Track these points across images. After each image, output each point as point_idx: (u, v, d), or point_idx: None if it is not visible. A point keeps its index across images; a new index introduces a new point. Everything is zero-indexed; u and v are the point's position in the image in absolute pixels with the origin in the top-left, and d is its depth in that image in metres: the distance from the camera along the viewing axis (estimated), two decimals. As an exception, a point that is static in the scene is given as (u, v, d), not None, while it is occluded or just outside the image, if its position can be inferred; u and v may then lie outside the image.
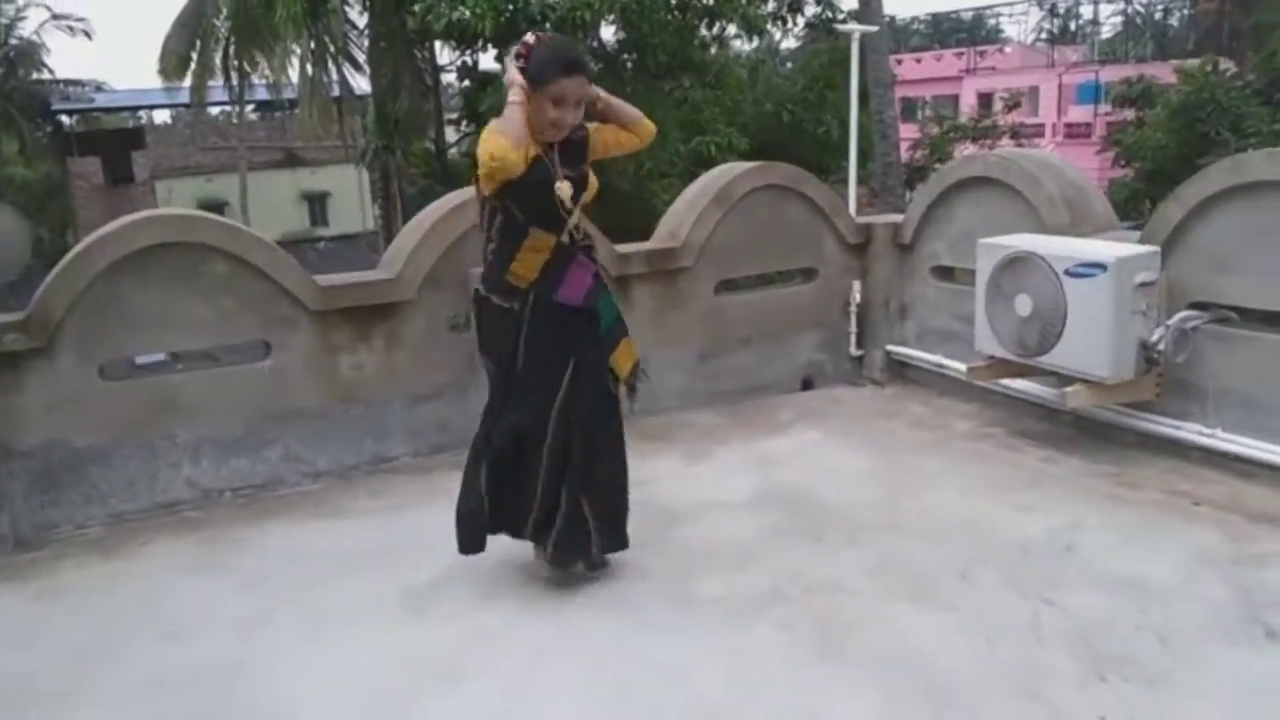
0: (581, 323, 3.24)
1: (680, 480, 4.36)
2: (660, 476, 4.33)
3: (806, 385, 5.78)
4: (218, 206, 34.86)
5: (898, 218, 5.85)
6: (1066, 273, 4.22)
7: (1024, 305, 4.41)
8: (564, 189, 3.15)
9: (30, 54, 34.49)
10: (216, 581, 3.66)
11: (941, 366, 5.42)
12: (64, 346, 4.10)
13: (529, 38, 3.18)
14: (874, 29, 12.07)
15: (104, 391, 4.21)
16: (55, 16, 33.93)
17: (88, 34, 35.71)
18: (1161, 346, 4.15)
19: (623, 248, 5.20)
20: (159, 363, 4.58)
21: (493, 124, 3.14)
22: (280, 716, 2.80)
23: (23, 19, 33.99)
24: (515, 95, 3.05)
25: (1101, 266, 4.10)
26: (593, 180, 3.30)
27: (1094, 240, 4.45)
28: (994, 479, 4.23)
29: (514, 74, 3.09)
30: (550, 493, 3.24)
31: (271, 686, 2.93)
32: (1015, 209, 4.94)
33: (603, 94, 3.31)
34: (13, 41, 33.67)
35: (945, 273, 5.52)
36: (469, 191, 4.76)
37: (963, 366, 5.12)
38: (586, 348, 3.25)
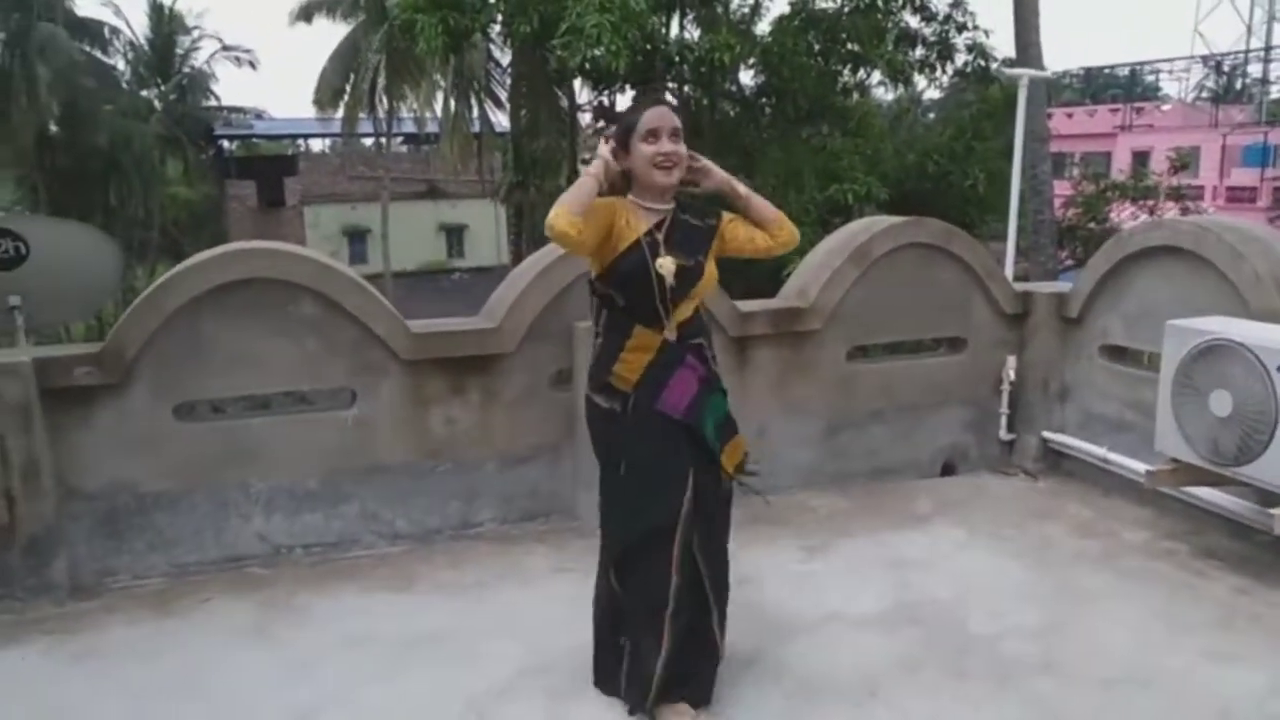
0: (685, 433, 2.79)
1: (794, 580, 3.77)
2: (770, 573, 3.77)
3: (947, 470, 5.11)
4: (361, 233, 36.15)
5: (1064, 287, 5.14)
6: (1281, 369, 3.49)
7: (1222, 403, 3.68)
8: (666, 265, 2.73)
9: (200, 82, 36.42)
10: (269, 657, 3.28)
11: (1108, 462, 4.68)
12: (138, 384, 3.84)
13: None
14: (1043, 73, 11.19)
15: (177, 434, 3.93)
16: (225, 47, 35.80)
17: (253, 64, 37.51)
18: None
19: (746, 305, 4.69)
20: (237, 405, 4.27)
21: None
22: None
23: (197, 49, 36.01)
24: (593, 167, 2.75)
25: (1330, 364, 3.37)
26: (710, 272, 2.87)
27: (1316, 330, 3.70)
28: (1177, 612, 3.50)
29: (601, 148, 2.81)
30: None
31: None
32: (1209, 286, 4.21)
33: (738, 184, 2.95)
34: (185, 70, 35.63)
35: (1118, 353, 4.79)
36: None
37: (1136, 464, 4.42)
38: (696, 460, 2.79)
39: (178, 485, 3.95)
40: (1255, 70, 45.57)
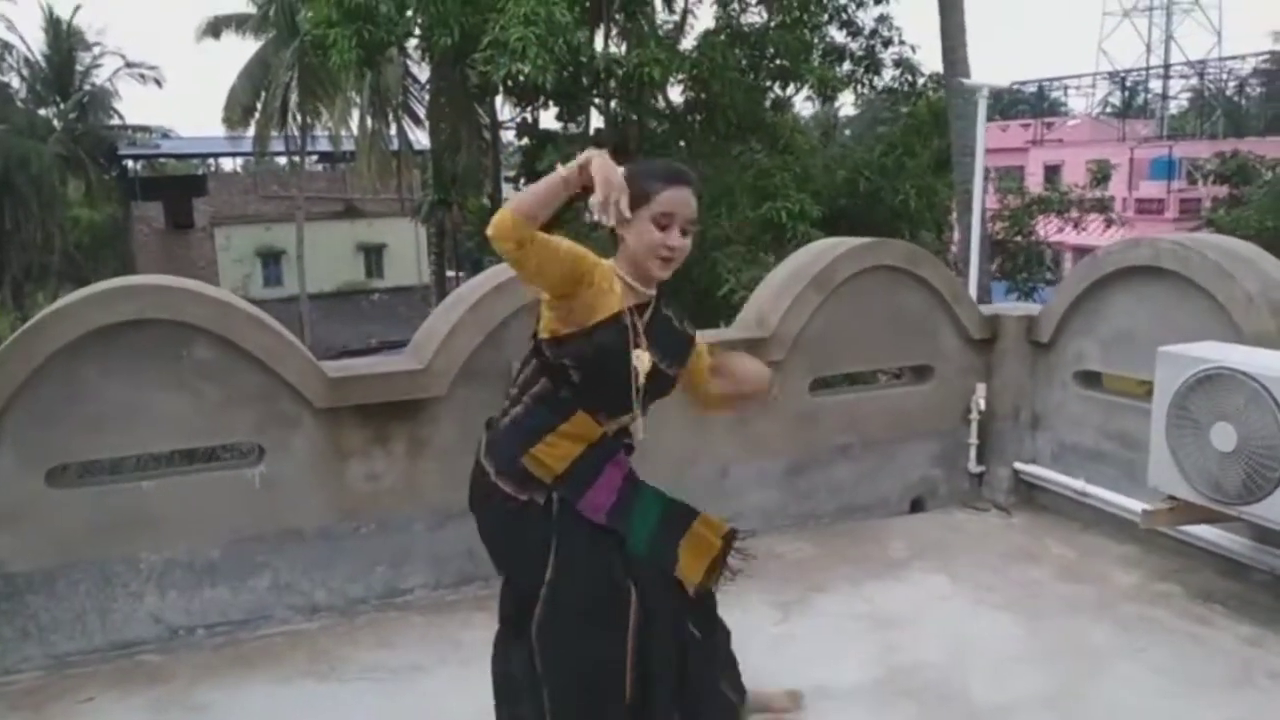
0: (615, 541, 2.33)
1: (772, 646, 3.36)
2: (745, 636, 3.31)
3: (915, 506, 4.77)
4: (276, 255, 34.99)
5: (1033, 308, 4.86)
6: (1291, 399, 3.20)
7: (1224, 438, 3.39)
8: (643, 359, 2.28)
9: (102, 100, 34.91)
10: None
11: (1086, 495, 4.39)
12: (3, 445, 3.26)
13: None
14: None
15: (52, 503, 3.35)
16: (128, 64, 34.38)
17: (158, 82, 36.10)
18: None
19: (700, 335, 4.28)
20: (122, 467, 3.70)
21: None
22: None
23: (98, 66, 34.50)
24: (565, 169, 2.16)
25: (1346, 395, 3.10)
26: (669, 391, 2.46)
27: (1321, 356, 3.44)
28: (1191, 671, 3.17)
29: (593, 152, 2.21)
30: None
31: None
32: (1195, 309, 3.94)
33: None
34: (86, 87, 34.11)
35: (1092, 379, 4.51)
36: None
37: (1120, 499, 4.18)
38: (642, 573, 2.33)
39: (54, 562, 3.37)
40: (1155, 86, 47.26)
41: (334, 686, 3.22)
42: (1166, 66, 48.36)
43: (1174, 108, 48.93)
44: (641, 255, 2.28)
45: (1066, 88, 47.30)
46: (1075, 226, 17.70)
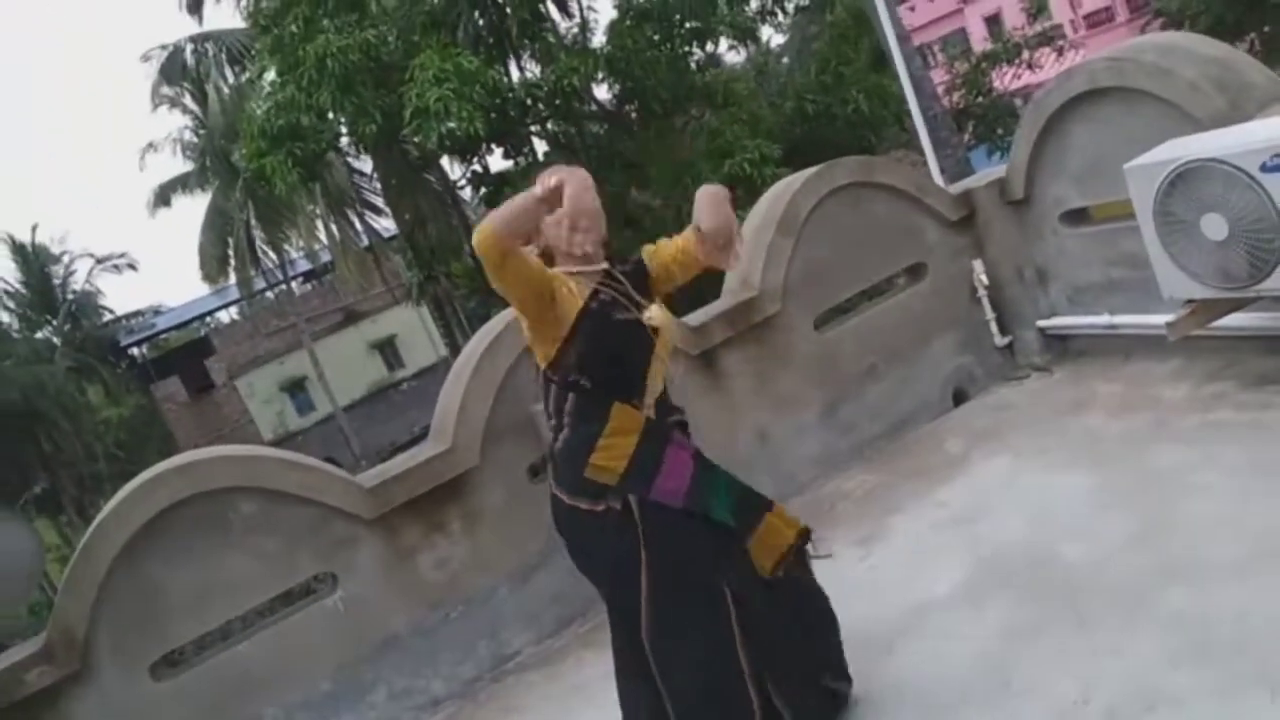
0: (700, 527, 2.38)
1: (862, 580, 3.41)
2: (834, 584, 3.36)
3: (959, 398, 4.79)
4: (299, 383, 35.43)
5: (998, 170, 4.86)
6: (1264, 168, 3.20)
7: (1215, 227, 3.39)
8: (657, 315, 2.38)
9: (88, 302, 35.64)
10: None
11: (1114, 327, 4.39)
12: (102, 661, 3.40)
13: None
14: None
15: (163, 695, 3.48)
16: (99, 261, 35.04)
17: (133, 266, 36.80)
18: None
19: (694, 316, 4.35)
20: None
21: None
22: None
23: (73, 272, 35.20)
24: (536, 188, 2.25)
25: (1311, 144, 3.09)
26: (666, 324, 2.47)
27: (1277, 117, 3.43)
28: (1259, 460, 3.17)
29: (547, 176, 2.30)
30: None
31: None
32: (1150, 114, 3.93)
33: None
34: (69, 297, 34.82)
35: (1079, 216, 4.51)
36: (504, 316, 4.00)
37: (1146, 319, 4.13)
38: (727, 559, 2.39)
39: (181, 748, 3.51)
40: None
41: (480, 765, 3.32)
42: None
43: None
44: (560, 237, 2.27)
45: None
46: (1030, 68, 17.48)
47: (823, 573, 3.32)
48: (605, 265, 2.49)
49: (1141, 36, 4.33)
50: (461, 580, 3.88)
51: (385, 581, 3.77)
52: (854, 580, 3.42)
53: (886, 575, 3.42)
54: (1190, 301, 3.65)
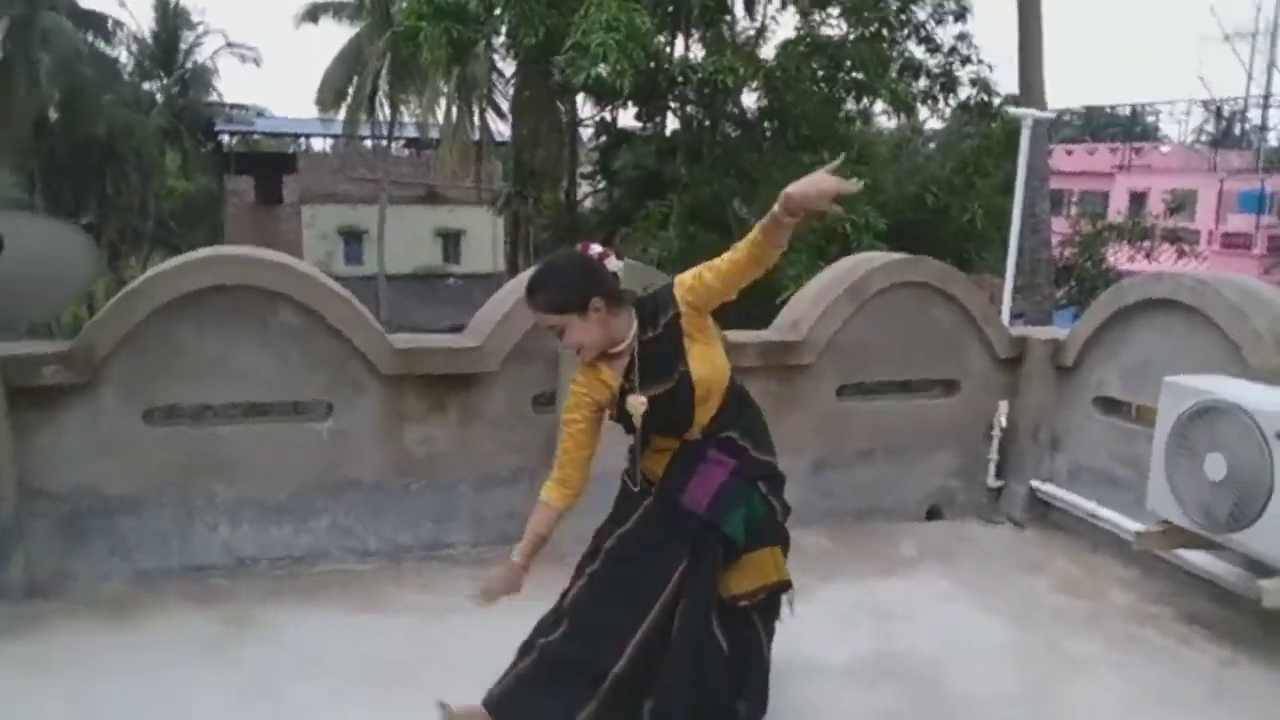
0: (700, 529, 2.64)
1: (783, 628, 3.65)
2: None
3: (933, 514, 5.02)
4: (358, 234, 35.97)
5: (1059, 333, 5.06)
6: (1279, 435, 3.40)
7: (1217, 467, 3.60)
8: (635, 404, 2.59)
9: (202, 77, 36.33)
10: (223, 679, 3.15)
11: (1096, 517, 4.59)
12: (108, 386, 3.73)
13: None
14: (1046, 114, 11.13)
15: (146, 438, 3.82)
16: (229, 44, 35.73)
17: (256, 62, 37.60)
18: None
19: (735, 335, 4.59)
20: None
21: None
22: None
23: (200, 44, 35.93)
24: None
25: (1330, 432, 3.29)
26: (703, 368, 2.60)
27: (1317, 395, 3.62)
28: (1164, 685, 3.39)
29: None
30: None
31: None
32: (1210, 343, 4.14)
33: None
34: (188, 65, 35.52)
35: (1112, 405, 4.71)
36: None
37: (1125, 522, 4.33)
38: (701, 555, 2.65)
39: (143, 490, 3.84)
40: (1255, 116, 45.76)
41: (378, 618, 3.62)
42: (1267, 96, 46.86)
43: (1275, 139, 47.36)
44: None
45: (1159, 113, 46.11)
46: (1148, 256, 17.51)
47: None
48: (633, 337, 2.61)
49: (1238, 275, 4.51)
50: (436, 462, 4.17)
51: (372, 433, 4.07)
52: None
53: (796, 628, 3.63)
54: (1166, 523, 3.85)
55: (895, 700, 3.18)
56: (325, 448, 4.02)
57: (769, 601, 2.81)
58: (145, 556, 3.87)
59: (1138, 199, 34.48)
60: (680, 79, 13.11)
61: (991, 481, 5.05)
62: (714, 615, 2.68)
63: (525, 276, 4.42)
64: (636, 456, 2.75)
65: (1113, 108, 46.18)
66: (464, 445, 4.21)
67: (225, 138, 38.75)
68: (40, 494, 3.71)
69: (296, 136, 41.50)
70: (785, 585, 2.81)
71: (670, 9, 13.34)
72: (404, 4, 15.54)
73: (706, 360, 2.62)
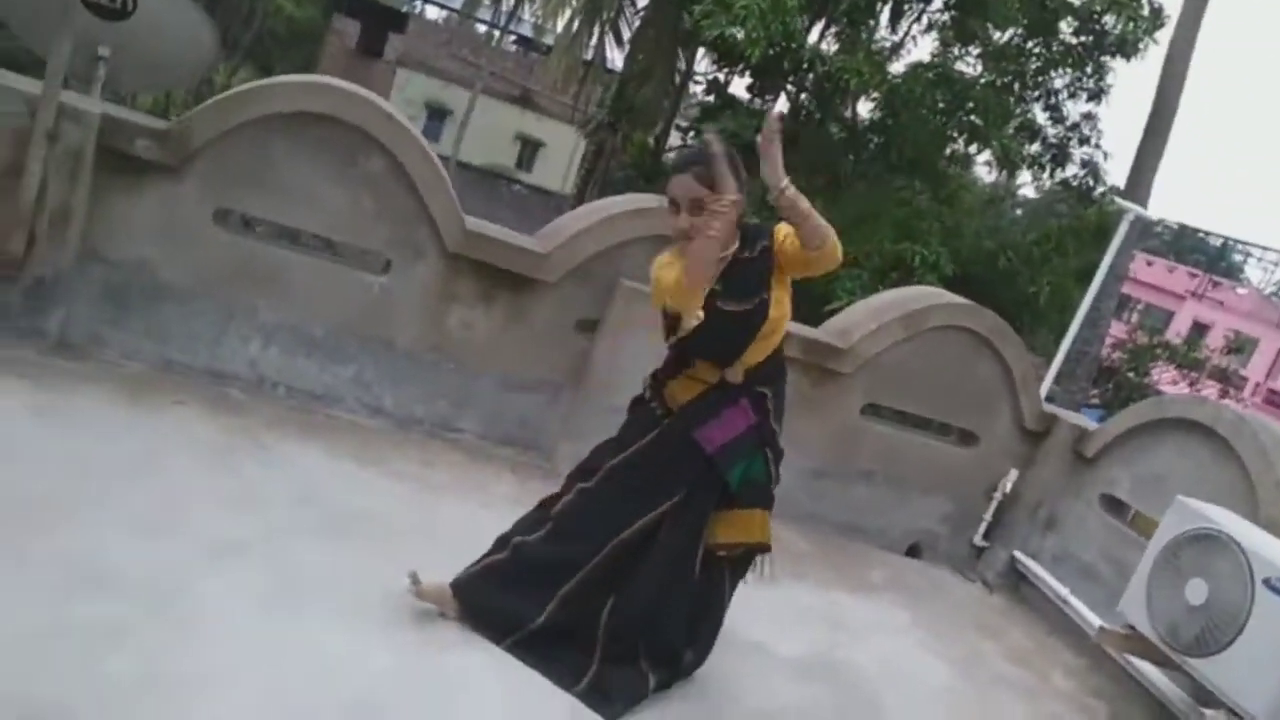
0: (703, 468, 2.75)
1: (739, 604, 3.76)
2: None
3: (912, 551, 5.11)
4: (442, 113, 35.96)
5: (1089, 423, 5.11)
6: (1266, 582, 3.46)
7: (1198, 592, 3.65)
8: (689, 321, 2.63)
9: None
10: (217, 485, 3.27)
11: (1065, 602, 4.66)
12: (192, 177, 3.83)
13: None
14: (1149, 217, 10.98)
15: (212, 237, 3.93)
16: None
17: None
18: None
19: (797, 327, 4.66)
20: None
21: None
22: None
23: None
24: (714, 227, 2.58)
25: (1316, 596, 3.34)
26: (777, 310, 2.71)
27: (1315, 559, 3.67)
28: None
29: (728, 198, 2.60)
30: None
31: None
32: (1229, 477, 4.18)
33: (787, 188, 2.53)
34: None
35: (1116, 505, 4.77)
36: (657, 200, 4.33)
37: (1091, 616, 4.40)
38: (696, 494, 2.77)
39: (193, 284, 3.96)
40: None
41: (371, 474, 3.74)
42: (1361, 273, 45.88)
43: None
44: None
45: (1249, 254, 45.39)
46: (1191, 385, 17.39)
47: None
48: (733, 250, 2.69)
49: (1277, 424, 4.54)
50: (468, 348, 4.28)
51: (419, 301, 4.18)
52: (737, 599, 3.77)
53: (755, 613, 3.73)
54: (1131, 628, 3.93)
55: (822, 696, 3.29)
56: (372, 301, 4.13)
57: (743, 559, 2.95)
58: (175, 348, 4.00)
59: (1199, 328, 34.10)
60: (805, 65, 13.01)
61: (978, 540, 5.12)
62: (697, 554, 2.81)
63: (619, 198, 4.50)
64: (660, 381, 2.83)
65: (1205, 233, 45.39)
66: (500, 342, 4.31)
67: (345, -23, 38.54)
68: (98, 257, 3.84)
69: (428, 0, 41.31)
70: (764, 548, 2.93)
71: (818, -4, 13.22)
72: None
73: (781, 304, 2.73)
